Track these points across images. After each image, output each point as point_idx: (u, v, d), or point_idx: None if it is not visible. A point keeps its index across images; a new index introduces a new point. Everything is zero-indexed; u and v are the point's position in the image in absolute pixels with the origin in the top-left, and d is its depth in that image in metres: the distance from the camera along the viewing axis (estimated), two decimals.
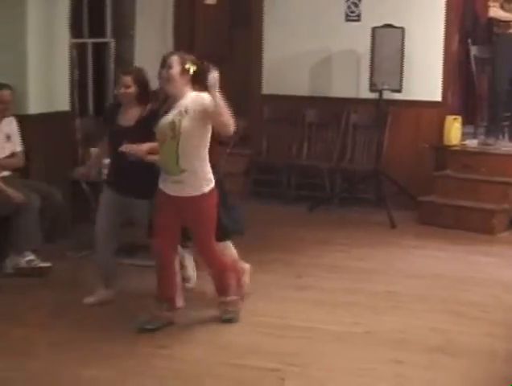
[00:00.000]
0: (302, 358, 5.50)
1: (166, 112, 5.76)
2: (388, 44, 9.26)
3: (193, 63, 5.73)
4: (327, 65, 10.16)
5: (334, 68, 10.14)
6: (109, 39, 9.89)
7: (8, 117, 7.58)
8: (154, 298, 6.04)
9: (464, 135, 9.94)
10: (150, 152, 5.90)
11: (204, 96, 5.56)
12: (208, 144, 5.85)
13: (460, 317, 6.32)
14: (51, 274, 7.11)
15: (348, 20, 9.96)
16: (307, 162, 10.20)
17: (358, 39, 9.68)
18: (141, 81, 6.29)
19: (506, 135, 10.06)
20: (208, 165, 5.81)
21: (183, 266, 6.75)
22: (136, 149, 5.93)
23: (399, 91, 9.34)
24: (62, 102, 8.65)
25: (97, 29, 9.91)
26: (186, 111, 5.55)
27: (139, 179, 6.13)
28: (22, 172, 7.68)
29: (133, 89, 6.19)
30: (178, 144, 5.55)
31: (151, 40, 10.12)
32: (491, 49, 9.98)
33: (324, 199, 9.83)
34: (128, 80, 6.22)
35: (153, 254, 6.12)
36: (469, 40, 10.25)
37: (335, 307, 6.53)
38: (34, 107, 8.22)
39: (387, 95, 9.43)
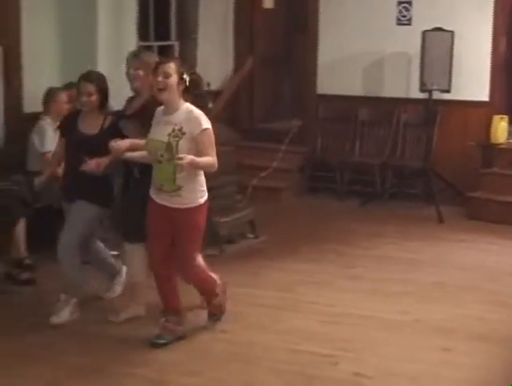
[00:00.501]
0: (354, 344, 5.51)
1: (133, 116, 5.57)
2: (438, 46, 9.19)
3: (188, 73, 5.21)
4: (379, 67, 10.11)
5: (386, 70, 10.08)
6: (174, 42, 9.97)
7: None
8: (161, 312, 5.58)
9: (511, 134, 9.82)
10: (130, 148, 5.39)
11: (199, 121, 5.11)
12: None
13: (506, 308, 6.27)
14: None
15: (399, 24, 9.88)
16: (359, 159, 10.15)
17: (409, 41, 9.60)
18: (103, 88, 5.79)
19: None
20: (203, 176, 5.36)
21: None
22: (116, 146, 5.31)
23: (448, 91, 9.26)
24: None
25: (163, 32, 10.00)
26: (182, 132, 5.04)
27: (91, 184, 5.66)
28: None
29: (95, 97, 5.70)
30: (175, 166, 5.01)
31: (213, 43, 10.18)
32: None
33: (375, 195, 9.78)
34: (91, 87, 5.70)
35: (150, 268, 5.64)
36: None
37: (386, 297, 6.51)
38: None
39: (436, 95, 9.34)
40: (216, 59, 10.36)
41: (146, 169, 5.43)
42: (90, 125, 5.80)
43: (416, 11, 9.78)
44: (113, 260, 6.42)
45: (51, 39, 8.14)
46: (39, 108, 7.44)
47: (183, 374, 5.03)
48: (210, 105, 7.88)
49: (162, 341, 5.36)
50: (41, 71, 7.72)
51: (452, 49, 9.21)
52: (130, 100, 5.91)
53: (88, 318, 5.86)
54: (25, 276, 6.55)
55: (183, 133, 5.02)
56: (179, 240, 5.38)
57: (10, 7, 7.72)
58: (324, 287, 6.75)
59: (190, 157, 4.93)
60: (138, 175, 5.61)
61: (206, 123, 5.13)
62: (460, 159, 9.58)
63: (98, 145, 5.57)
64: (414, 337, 5.68)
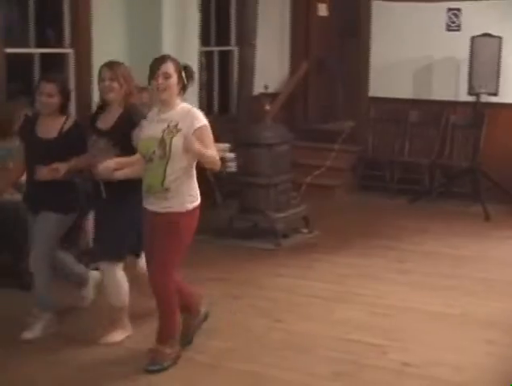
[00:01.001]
0: (403, 334, 5.51)
1: (106, 134, 5.02)
2: (486, 51, 9.08)
3: (183, 69, 4.75)
4: (428, 71, 10.03)
5: (435, 74, 9.99)
6: (233, 47, 10.04)
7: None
8: (158, 343, 4.90)
9: None
10: (117, 168, 4.82)
11: (197, 117, 4.68)
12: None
13: None
14: None
15: (449, 30, 9.79)
16: (408, 159, 10.08)
17: (458, 47, 9.50)
18: (65, 90, 5.28)
19: None
20: (195, 180, 4.80)
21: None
22: (104, 170, 4.78)
23: (495, 94, 9.14)
24: (191, 102, 8.70)
25: (223, 38, 10.08)
26: (177, 128, 4.57)
27: (53, 193, 5.20)
28: None
29: (56, 99, 5.18)
30: (167, 163, 4.56)
31: (270, 48, 10.20)
32: None
33: (423, 193, 9.70)
34: (51, 88, 5.17)
35: (150, 280, 4.87)
36: None
37: (433, 290, 6.48)
38: None
39: (484, 98, 9.22)
40: (273, 63, 10.40)
41: (113, 186, 4.96)
42: (48, 129, 5.26)
43: (465, 18, 9.68)
44: (79, 269, 5.86)
45: (119, 42, 8.25)
46: None
47: (239, 361, 5.07)
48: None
49: (156, 368, 4.77)
50: None
51: (499, 54, 9.07)
52: (97, 114, 5.27)
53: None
54: (93, 266, 6.66)
55: (179, 130, 4.56)
56: (158, 244, 4.70)
57: (82, 13, 7.85)
58: (374, 280, 6.73)
59: (197, 143, 4.51)
60: (105, 195, 5.08)
61: (204, 120, 4.70)
62: (507, 159, 9.46)
63: (57, 149, 5.17)
64: (459, 329, 5.65)
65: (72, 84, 7.92)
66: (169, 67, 4.61)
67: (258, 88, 8.77)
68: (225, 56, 10.12)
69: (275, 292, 6.45)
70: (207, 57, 9.28)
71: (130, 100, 5.10)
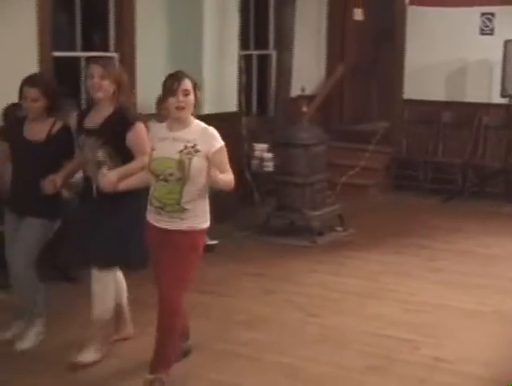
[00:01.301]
0: (435, 330, 5.48)
1: (96, 132, 4.57)
2: None
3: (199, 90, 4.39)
4: (462, 73, 9.97)
5: (468, 76, 9.93)
6: (272, 51, 10.04)
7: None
8: (155, 371, 4.40)
9: None
10: (121, 178, 4.46)
11: (216, 138, 4.28)
12: None
13: None
14: (218, 250, 7.23)
15: (482, 34, 9.74)
16: (441, 159, 10.03)
17: (491, 50, 9.45)
18: (50, 92, 4.85)
19: None
20: (207, 200, 4.40)
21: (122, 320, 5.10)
22: (107, 183, 4.43)
23: None
24: (230, 104, 8.80)
25: (261, 42, 10.09)
26: (195, 149, 4.17)
27: (38, 197, 4.82)
28: None
29: (41, 102, 4.81)
30: (184, 184, 4.18)
31: (307, 51, 10.19)
32: None
33: (456, 192, 9.65)
34: (34, 92, 4.79)
35: (160, 300, 4.38)
36: None
37: (465, 288, 6.44)
38: (208, 108, 8.26)
39: None
40: (310, 66, 10.38)
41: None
42: (36, 132, 4.91)
43: (498, 22, 9.62)
44: (40, 298, 5.08)
45: (162, 46, 8.29)
46: (152, 110, 7.56)
47: (278, 353, 5.08)
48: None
49: None
50: (152, 77, 7.86)
51: None
52: (85, 112, 4.86)
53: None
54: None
55: (197, 151, 4.17)
56: (174, 261, 4.31)
57: (126, 18, 7.89)
58: (407, 278, 6.71)
59: (217, 173, 4.15)
60: (96, 195, 4.64)
61: (221, 139, 4.30)
62: None
63: (45, 152, 4.86)
64: (491, 326, 5.61)
65: None
66: (188, 84, 4.24)
67: (295, 91, 8.78)
68: (263, 60, 10.11)
69: (310, 287, 6.46)
70: (246, 61, 9.27)
71: (121, 99, 4.68)
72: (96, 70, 4.60)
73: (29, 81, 4.87)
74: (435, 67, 10.01)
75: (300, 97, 8.40)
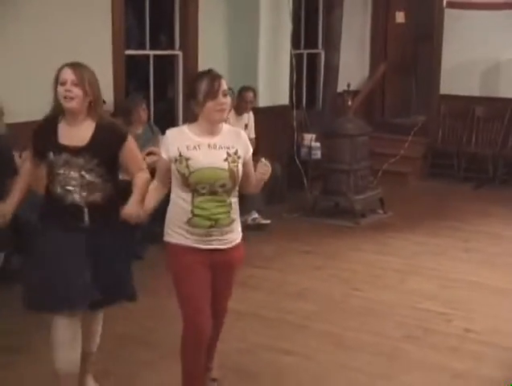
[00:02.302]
0: (467, 305, 5.45)
1: (83, 150, 3.43)
2: None
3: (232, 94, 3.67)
4: (494, 71, 9.79)
5: (501, 73, 9.76)
6: (320, 50, 9.99)
7: (248, 112, 7.68)
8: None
9: None
10: (143, 201, 3.57)
11: (247, 141, 3.64)
12: None
13: None
14: (270, 229, 7.29)
15: None
16: (474, 150, 9.89)
17: None
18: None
19: None
20: None
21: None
22: (134, 216, 3.51)
23: None
24: (283, 98, 8.79)
25: (311, 42, 10.06)
26: (237, 155, 3.50)
27: None
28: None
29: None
30: (230, 195, 3.51)
31: (353, 50, 10.11)
32: None
33: (486, 180, 9.55)
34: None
35: (197, 331, 3.57)
36: None
37: (496, 267, 6.39)
38: (262, 101, 8.35)
39: None
40: (354, 64, 10.30)
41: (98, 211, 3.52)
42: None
43: None
44: None
45: (221, 45, 8.30)
46: None
47: (323, 322, 5.12)
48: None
49: None
50: None
51: None
52: (49, 125, 3.56)
53: None
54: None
55: (239, 157, 3.51)
56: (229, 283, 3.74)
57: (191, 19, 7.92)
58: (442, 257, 6.67)
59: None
60: (88, 222, 3.51)
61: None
62: None
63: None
64: None
65: (179, 83, 8.06)
66: (225, 84, 3.51)
67: (341, 86, 8.71)
68: (312, 58, 10.10)
69: (354, 264, 6.47)
70: (297, 59, 9.22)
71: (100, 110, 3.56)
72: (68, 75, 3.43)
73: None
74: (470, 65, 9.84)
75: (346, 92, 8.34)
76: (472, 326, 5.03)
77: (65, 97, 3.41)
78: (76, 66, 3.47)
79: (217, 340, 3.93)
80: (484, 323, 5.10)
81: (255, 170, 3.61)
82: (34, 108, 4.85)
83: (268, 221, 7.33)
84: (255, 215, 7.26)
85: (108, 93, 6.57)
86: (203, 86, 3.43)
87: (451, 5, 9.59)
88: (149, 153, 5.77)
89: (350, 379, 4.30)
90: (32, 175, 3.64)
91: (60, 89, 3.42)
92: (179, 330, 3.62)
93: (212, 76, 3.48)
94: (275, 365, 4.46)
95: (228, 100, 3.48)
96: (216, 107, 3.44)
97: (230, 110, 3.82)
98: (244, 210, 5.68)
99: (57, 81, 3.43)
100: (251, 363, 4.47)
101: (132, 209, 3.48)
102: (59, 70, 3.46)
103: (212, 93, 3.42)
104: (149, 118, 7.22)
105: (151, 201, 3.56)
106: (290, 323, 5.07)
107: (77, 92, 3.41)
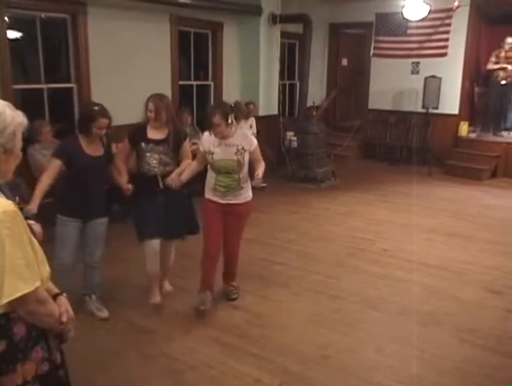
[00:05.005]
0: (384, 234, 5.36)
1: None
2: None
3: (231, 112, 3.47)
4: (400, 94, 9.46)
5: (404, 96, 9.41)
6: (296, 81, 9.79)
7: (251, 117, 7.68)
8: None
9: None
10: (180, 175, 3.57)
11: (252, 139, 3.59)
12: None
13: None
14: (266, 190, 6.59)
15: (412, 73, 9.24)
16: (388, 142, 9.61)
17: (417, 82, 8.93)
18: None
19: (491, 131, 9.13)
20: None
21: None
22: (174, 182, 3.51)
23: None
24: (274, 110, 8.61)
25: (291, 76, 9.82)
26: (244, 149, 3.53)
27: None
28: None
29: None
30: (240, 172, 3.55)
31: (315, 81, 9.89)
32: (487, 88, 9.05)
33: (396, 160, 9.33)
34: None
35: (208, 252, 3.64)
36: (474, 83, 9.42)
37: (401, 211, 6.26)
38: (261, 112, 8.27)
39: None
40: (317, 89, 10.21)
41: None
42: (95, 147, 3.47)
43: (421, 67, 9.08)
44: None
45: (237, 78, 8.16)
46: None
47: (298, 245, 5.03)
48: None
49: (202, 307, 3.64)
50: (232, 99, 7.76)
51: None
52: (141, 129, 3.60)
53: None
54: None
55: (245, 150, 3.53)
56: (236, 225, 3.71)
57: (218, 59, 7.75)
58: (369, 206, 6.57)
59: (260, 172, 3.48)
60: (162, 186, 3.53)
61: (255, 140, 3.63)
62: None
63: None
64: (414, 232, 5.46)
65: (210, 102, 7.79)
66: (217, 119, 3.42)
67: (309, 103, 8.68)
68: (291, 86, 9.90)
69: (316, 210, 6.41)
70: (282, 86, 9.13)
71: (172, 122, 3.56)
72: (152, 106, 3.48)
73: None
74: (386, 91, 9.74)
75: (312, 107, 8.31)
76: (387, 247, 5.05)
77: (150, 118, 3.51)
78: (156, 100, 3.49)
79: (236, 266, 3.89)
80: (394, 245, 5.10)
81: (251, 180, 3.53)
82: (126, 117, 4.92)
83: (265, 184, 7.21)
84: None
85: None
86: (209, 117, 3.47)
87: (375, 55, 9.57)
88: (193, 144, 5.71)
89: (314, 279, 4.26)
90: (127, 157, 3.67)
91: (148, 113, 3.50)
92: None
93: (210, 112, 3.49)
94: (270, 270, 4.43)
95: (219, 129, 3.45)
96: (213, 131, 3.49)
97: (240, 119, 3.84)
98: (252, 177, 5.43)
99: (146, 108, 3.51)
100: (255, 269, 4.43)
101: (172, 177, 3.51)
102: (147, 101, 3.52)
103: (209, 125, 3.48)
104: (192, 122, 7.16)
105: (186, 174, 3.57)
106: (278, 246, 5.05)
107: (157, 117, 3.48)
